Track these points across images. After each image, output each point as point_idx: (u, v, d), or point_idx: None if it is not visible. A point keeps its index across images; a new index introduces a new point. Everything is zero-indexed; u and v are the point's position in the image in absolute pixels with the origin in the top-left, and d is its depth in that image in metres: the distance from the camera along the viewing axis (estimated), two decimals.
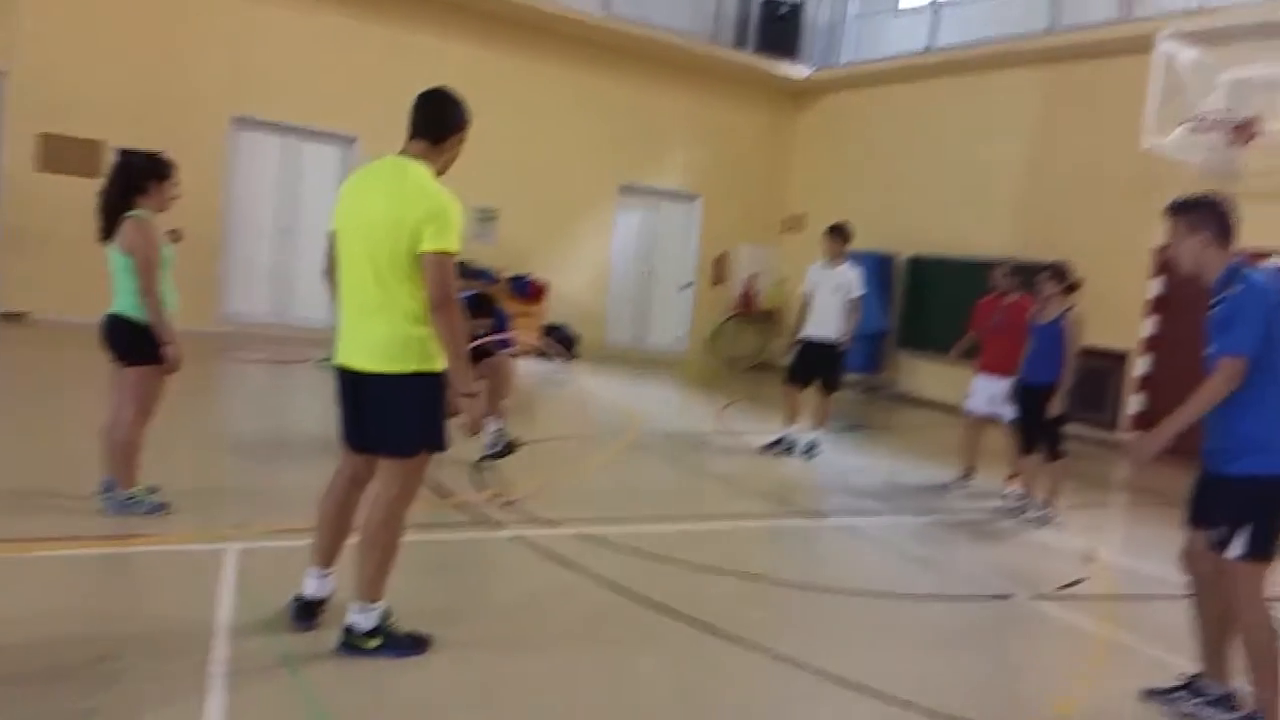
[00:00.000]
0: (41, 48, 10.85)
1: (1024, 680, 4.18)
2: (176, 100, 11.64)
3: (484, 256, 13.73)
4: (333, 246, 3.60)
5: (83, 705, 2.90)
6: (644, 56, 14.73)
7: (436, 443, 3.57)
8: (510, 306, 13.21)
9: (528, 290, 13.75)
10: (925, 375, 13.80)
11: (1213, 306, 3.66)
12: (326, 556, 3.72)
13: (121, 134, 9.96)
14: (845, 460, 8.60)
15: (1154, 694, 3.92)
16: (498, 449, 6.67)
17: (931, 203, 13.81)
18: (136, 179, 4.75)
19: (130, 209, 4.71)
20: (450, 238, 3.33)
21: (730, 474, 7.49)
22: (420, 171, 3.42)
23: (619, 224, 15.40)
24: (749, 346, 16.13)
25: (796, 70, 15.55)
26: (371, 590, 3.50)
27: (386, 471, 3.52)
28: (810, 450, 8.49)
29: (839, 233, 8.58)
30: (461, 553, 5.04)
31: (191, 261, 11.61)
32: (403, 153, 3.50)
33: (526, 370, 6.51)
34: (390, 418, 3.47)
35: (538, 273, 14.05)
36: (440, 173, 3.53)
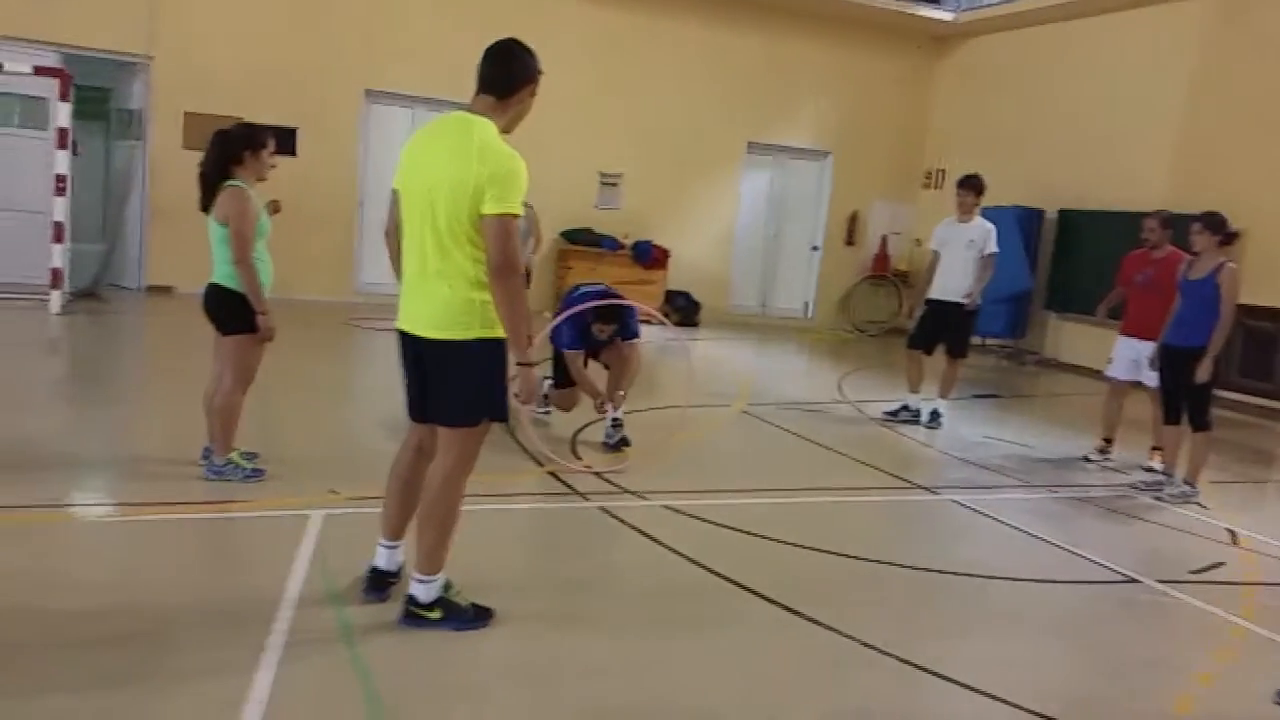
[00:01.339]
0: (183, 32, 11.41)
1: (1143, 674, 3.77)
2: (311, 76, 12.04)
3: (608, 223, 13.69)
4: (395, 207, 3.51)
5: (132, 672, 2.95)
6: (773, 6, 14.21)
7: (497, 411, 3.46)
8: (632, 273, 13.17)
9: (650, 256, 13.61)
10: (1073, 338, 12.92)
11: None
12: (395, 529, 3.70)
13: (259, 110, 10.36)
14: (972, 430, 8.10)
15: None
16: (614, 441, 6.24)
17: (1083, 152, 12.81)
18: (232, 149, 4.82)
19: (228, 179, 4.80)
20: (513, 200, 3.19)
21: (844, 444, 7.13)
22: (486, 129, 3.26)
23: (746, 184, 15.02)
24: (883, 311, 15.49)
25: (939, 14, 14.71)
26: (432, 561, 3.44)
27: (444, 440, 3.44)
28: (934, 420, 8.05)
29: (971, 185, 8.06)
30: (545, 523, 4.97)
31: (329, 234, 12.19)
32: (469, 108, 3.36)
33: (644, 338, 6.28)
34: (450, 385, 3.37)
35: (660, 238, 13.87)
36: (508, 129, 3.37)
